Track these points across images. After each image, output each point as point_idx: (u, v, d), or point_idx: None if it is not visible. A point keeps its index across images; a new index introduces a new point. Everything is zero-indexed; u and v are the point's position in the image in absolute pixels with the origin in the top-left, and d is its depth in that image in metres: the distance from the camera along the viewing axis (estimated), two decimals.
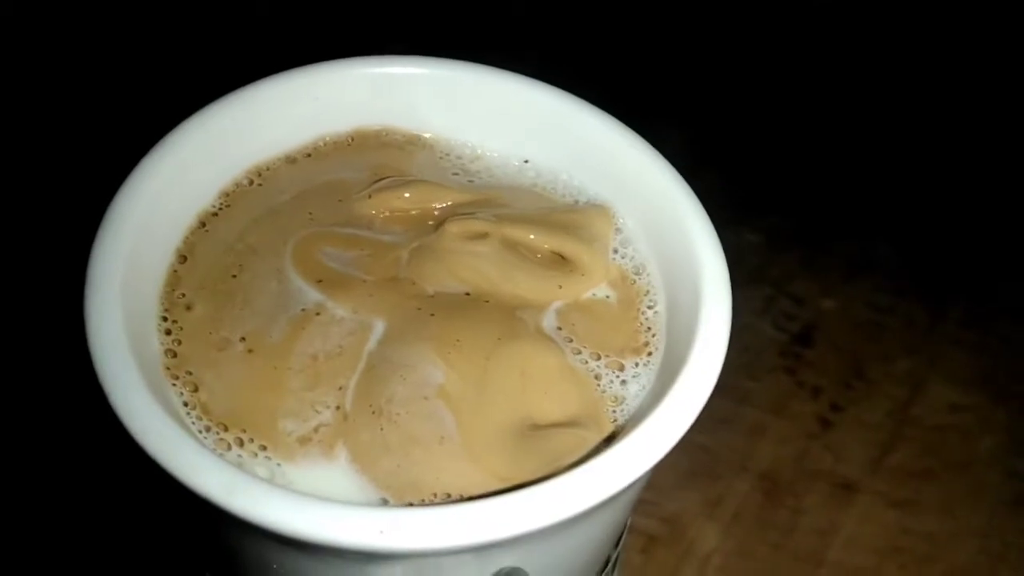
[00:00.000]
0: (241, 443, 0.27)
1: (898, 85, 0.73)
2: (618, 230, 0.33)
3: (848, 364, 0.57)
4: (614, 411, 0.29)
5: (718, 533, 0.49)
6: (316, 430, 0.27)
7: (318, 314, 0.29)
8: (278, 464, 0.27)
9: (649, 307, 0.32)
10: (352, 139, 0.35)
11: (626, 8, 0.77)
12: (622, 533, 0.33)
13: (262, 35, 0.70)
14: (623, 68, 0.72)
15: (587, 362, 0.30)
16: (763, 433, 0.53)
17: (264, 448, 0.27)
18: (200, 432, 0.27)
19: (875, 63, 0.75)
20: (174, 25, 0.69)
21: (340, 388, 0.28)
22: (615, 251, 0.33)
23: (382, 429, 0.27)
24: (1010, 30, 0.75)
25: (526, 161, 0.35)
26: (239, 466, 0.26)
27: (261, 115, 0.33)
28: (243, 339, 0.29)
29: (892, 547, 0.50)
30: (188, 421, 0.27)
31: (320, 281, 0.30)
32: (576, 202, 0.34)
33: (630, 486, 0.25)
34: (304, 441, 0.27)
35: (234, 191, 0.33)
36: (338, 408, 0.28)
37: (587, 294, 0.31)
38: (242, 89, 0.33)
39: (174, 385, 0.28)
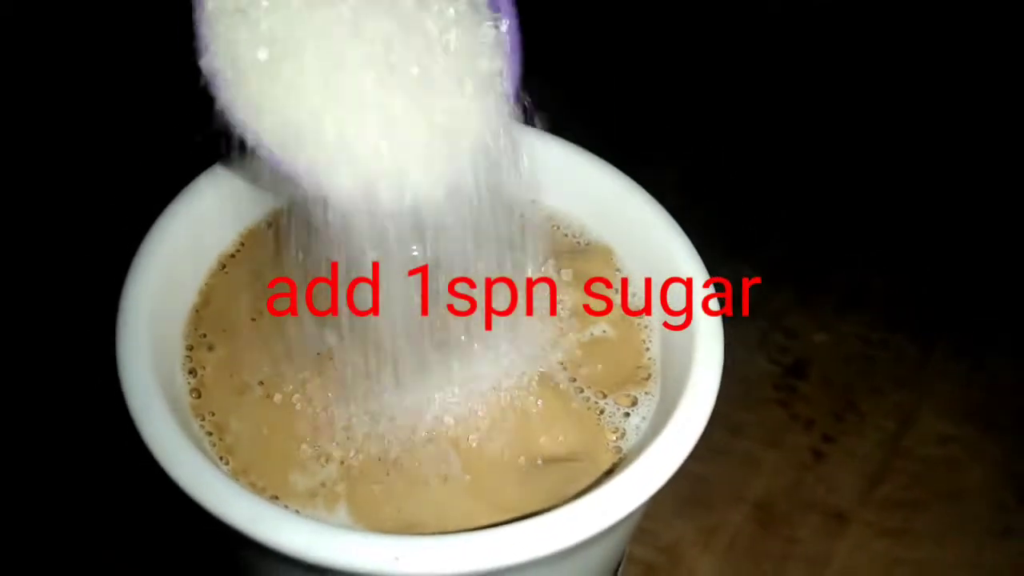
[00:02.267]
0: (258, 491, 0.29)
1: (885, 123, 0.75)
2: (618, 270, 0.35)
3: (840, 397, 0.58)
4: (617, 442, 0.31)
5: (713, 563, 0.51)
6: (323, 484, 0.29)
7: (331, 359, 0.31)
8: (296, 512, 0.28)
9: (649, 342, 0.33)
10: None
11: (616, 44, 0.79)
12: (620, 561, 0.34)
13: None
14: (615, 105, 0.74)
15: (589, 399, 0.31)
16: (758, 464, 0.55)
17: (276, 498, 0.29)
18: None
19: (864, 100, 0.76)
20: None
21: (349, 437, 0.30)
22: (616, 291, 0.35)
23: (388, 474, 0.29)
24: (999, 71, 0.78)
25: (533, 200, 0.37)
26: None
27: None
28: (261, 383, 0.31)
29: None
30: (219, 464, 0.29)
31: (334, 323, 0.32)
32: (578, 243, 0.36)
33: (627, 517, 0.26)
34: (312, 495, 0.29)
35: (251, 233, 0.35)
36: (342, 462, 0.29)
37: (590, 332, 0.33)
38: None
39: (201, 425, 0.30)
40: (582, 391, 0.32)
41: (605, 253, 0.35)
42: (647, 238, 0.34)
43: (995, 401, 0.59)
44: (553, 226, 0.37)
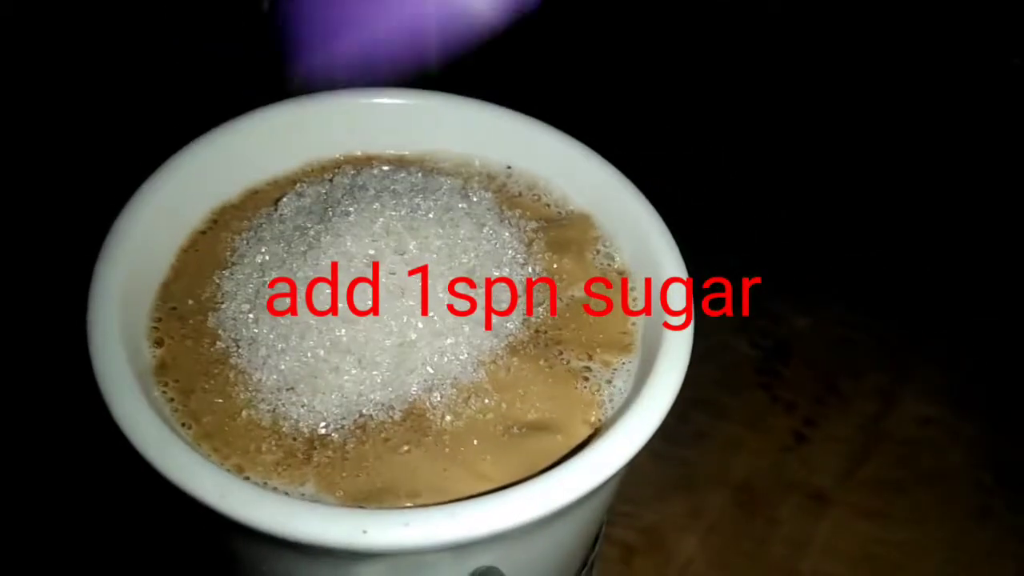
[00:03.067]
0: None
1: (868, 111, 0.75)
2: (597, 237, 0.35)
3: (821, 380, 0.59)
4: (596, 410, 0.30)
5: (695, 544, 0.51)
6: (290, 453, 0.28)
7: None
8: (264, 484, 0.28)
9: (631, 309, 0.33)
10: (339, 164, 0.37)
11: (617, 44, 0.79)
12: (597, 538, 0.34)
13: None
14: (616, 103, 0.74)
15: (569, 362, 0.31)
16: (740, 447, 0.55)
17: (241, 468, 0.28)
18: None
19: (860, 98, 0.77)
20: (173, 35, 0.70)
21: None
22: (596, 252, 0.35)
23: (357, 441, 0.29)
24: (995, 69, 0.78)
25: (509, 167, 0.37)
26: None
27: (252, 144, 0.35)
28: (227, 353, 0.30)
29: (864, 556, 0.51)
30: (180, 430, 0.29)
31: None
32: (559, 213, 0.36)
33: (597, 489, 0.26)
34: (278, 465, 0.28)
35: (224, 211, 0.35)
36: (310, 430, 0.29)
37: (572, 297, 0.33)
38: (235, 120, 0.35)
39: (163, 392, 0.29)
40: (561, 353, 0.32)
41: (583, 219, 0.35)
42: (618, 208, 0.34)
43: (974, 383, 0.60)
44: (533, 196, 0.37)
